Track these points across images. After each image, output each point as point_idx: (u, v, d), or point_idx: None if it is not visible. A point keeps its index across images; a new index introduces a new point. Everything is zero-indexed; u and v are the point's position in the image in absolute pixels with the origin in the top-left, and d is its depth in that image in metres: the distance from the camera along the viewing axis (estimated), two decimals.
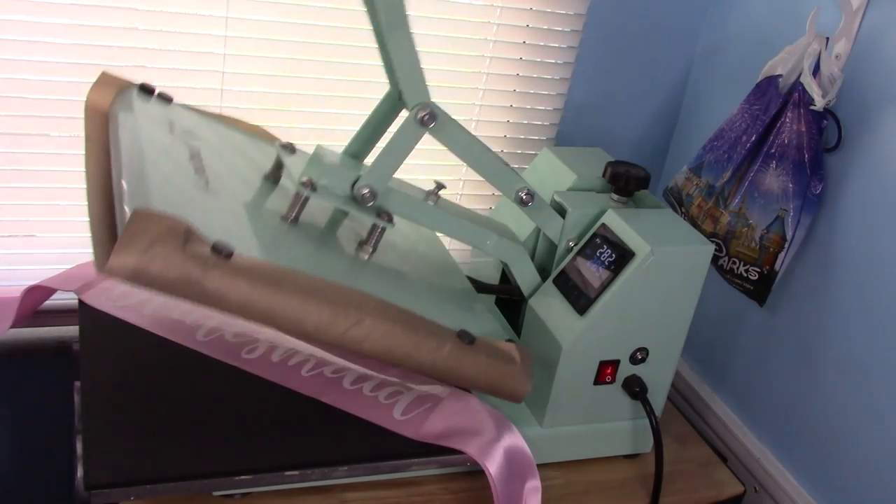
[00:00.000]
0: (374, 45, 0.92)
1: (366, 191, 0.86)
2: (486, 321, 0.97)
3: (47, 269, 1.07)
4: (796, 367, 1.11)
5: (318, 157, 0.90)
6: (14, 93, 1.05)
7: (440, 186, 0.96)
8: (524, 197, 0.95)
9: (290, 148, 0.92)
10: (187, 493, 0.84)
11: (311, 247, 0.88)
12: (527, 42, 1.25)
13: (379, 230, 0.90)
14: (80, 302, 0.99)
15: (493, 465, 0.88)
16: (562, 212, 1.00)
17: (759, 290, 1.09)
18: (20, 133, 1.07)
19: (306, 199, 0.89)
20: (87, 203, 0.80)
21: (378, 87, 0.94)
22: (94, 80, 1.07)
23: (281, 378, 0.94)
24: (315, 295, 0.76)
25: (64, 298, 1.08)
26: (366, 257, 0.90)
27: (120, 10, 1.00)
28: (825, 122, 1.03)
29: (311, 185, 0.84)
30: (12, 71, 1.03)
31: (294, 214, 0.89)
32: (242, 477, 0.84)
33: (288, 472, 0.86)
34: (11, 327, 1.00)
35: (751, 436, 1.18)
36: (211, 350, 0.96)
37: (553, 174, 1.09)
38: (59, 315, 1.14)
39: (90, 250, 1.13)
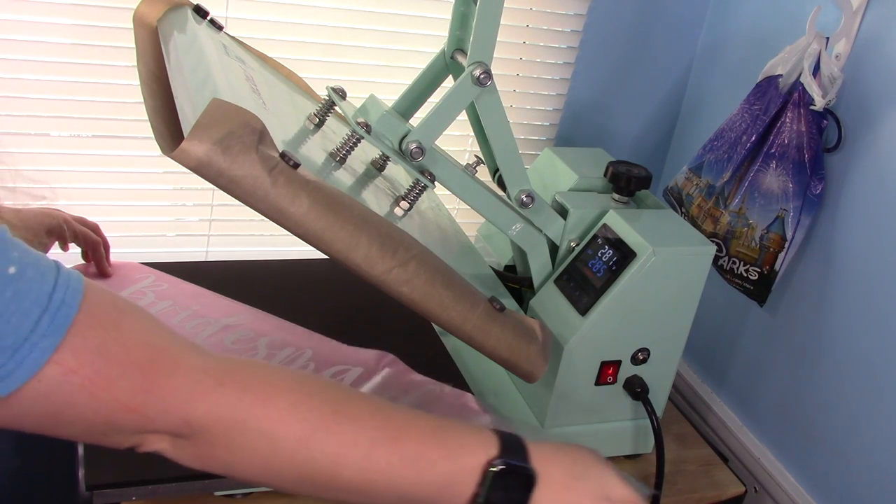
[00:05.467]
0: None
1: (414, 146, 0.86)
2: (510, 303, 0.97)
3: None
4: (796, 368, 1.11)
5: (371, 104, 0.89)
6: (14, 93, 1.05)
7: (479, 161, 0.96)
8: (524, 199, 0.95)
9: (340, 92, 0.91)
10: (188, 493, 0.84)
11: (354, 190, 0.88)
12: (527, 42, 1.25)
13: (420, 187, 0.89)
14: None
15: None
16: (563, 212, 1.00)
17: (759, 290, 1.09)
18: (20, 133, 1.07)
19: (357, 141, 0.89)
20: (142, 99, 0.85)
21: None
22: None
23: None
24: (370, 227, 0.76)
25: None
26: (401, 213, 0.89)
27: (120, 10, 1.00)
28: (825, 122, 1.03)
29: (367, 127, 0.84)
30: (12, 71, 1.03)
31: (343, 154, 0.89)
32: None
33: None
34: None
35: (751, 436, 1.18)
36: None
37: (554, 174, 1.09)
38: None
39: None
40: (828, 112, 1.03)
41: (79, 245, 1.00)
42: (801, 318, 1.10)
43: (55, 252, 0.99)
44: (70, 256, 1.01)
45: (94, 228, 1.01)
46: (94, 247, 1.00)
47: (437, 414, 0.92)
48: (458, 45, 0.92)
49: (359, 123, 0.84)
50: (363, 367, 0.98)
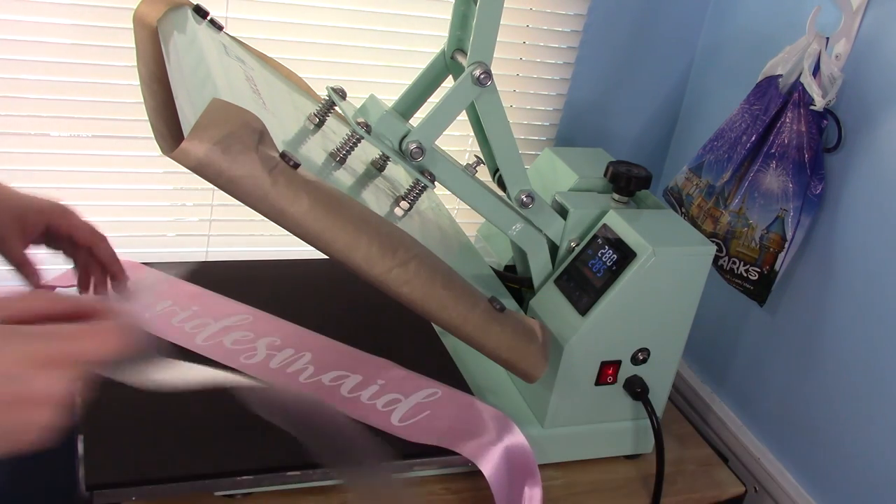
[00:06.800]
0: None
1: (414, 146, 0.86)
2: (510, 303, 0.97)
3: (47, 270, 1.07)
4: (796, 368, 1.11)
5: (371, 104, 0.89)
6: (14, 93, 1.05)
7: (479, 161, 0.96)
8: (524, 199, 0.95)
9: (340, 92, 0.91)
10: (189, 492, 0.84)
11: (354, 190, 0.88)
12: (527, 42, 1.25)
13: (420, 187, 0.89)
14: None
15: (487, 466, 0.88)
16: (563, 212, 1.00)
17: (759, 290, 1.09)
18: (20, 133, 1.07)
19: (357, 141, 0.89)
20: (142, 99, 0.82)
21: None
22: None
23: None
24: (369, 227, 0.76)
25: None
26: (401, 213, 0.89)
27: (120, 10, 1.00)
28: (825, 122, 1.03)
29: (367, 127, 0.84)
30: (12, 71, 1.03)
31: (343, 154, 0.89)
32: (244, 477, 0.84)
33: (289, 473, 0.86)
34: None
35: (751, 436, 1.18)
36: (209, 356, 0.96)
37: (554, 174, 1.09)
38: None
39: None
40: (828, 112, 1.03)
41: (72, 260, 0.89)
42: (801, 318, 1.10)
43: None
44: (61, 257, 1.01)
45: (93, 247, 0.87)
46: (84, 269, 0.87)
47: (437, 421, 0.93)
48: (458, 45, 0.92)
49: (359, 123, 0.84)
50: (361, 374, 0.98)
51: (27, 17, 1.02)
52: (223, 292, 1.06)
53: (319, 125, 0.93)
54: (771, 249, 1.05)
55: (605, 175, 1.04)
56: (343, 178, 0.88)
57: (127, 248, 1.14)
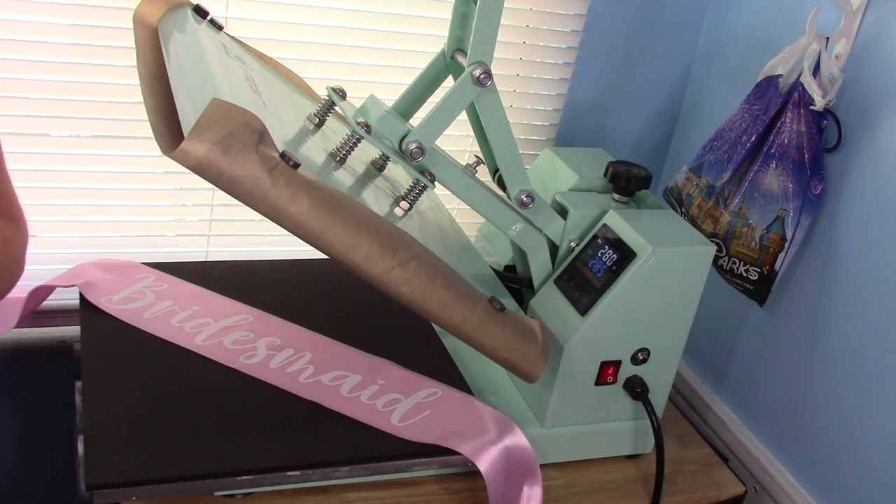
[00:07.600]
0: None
1: (414, 146, 0.86)
2: (510, 303, 0.97)
3: (47, 269, 1.07)
4: (796, 368, 1.11)
5: (371, 104, 0.89)
6: (14, 93, 1.04)
7: (479, 161, 0.96)
8: (524, 199, 0.95)
9: (340, 92, 0.91)
10: (189, 493, 0.84)
11: (354, 190, 0.88)
12: (527, 42, 1.25)
13: (420, 187, 0.89)
14: (82, 300, 0.99)
15: (484, 464, 0.88)
16: (563, 212, 1.00)
17: (759, 290, 1.09)
18: (20, 133, 1.07)
19: (357, 141, 0.89)
20: (142, 99, 0.83)
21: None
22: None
23: (278, 384, 0.94)
24: (369, 227, 0.76)
25: (64, 298, 1.07)
26: (401, 213, 0.89)
27: (120, 10, 1.00)
28: (825, 122, 1.03)
29: (367, 127, 0.84)
30: (12, 71, 1.03)
31: (343, 154, 0.89)
32: (244, 477, 0.84)
33: (289, 473, 0.86)
34: (14, 327, 1.00)
35: (751, 436, 1.18)
36: (209, 356, 0.96)
37: (554, 174, 1.09)
38: (60, 315, 1.14)
39: (90, 250, 1.14)
40: (828, 112, 1.03)
41: None
42: (801, 318, 1.10)
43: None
44: (61, 257, 1.01)
45: None
46: None
47: (436, 421, 0.93)
48: (458, 45, 0.92)
49: (359, 123, 0.84)
50: (361, 374, 0.98)
51: (27, 17, 1.02)
52: (223, 292, 1.06)
53: (319, 125, 0.93)
54: (771, 249, 1.05)
55: (605, 175, 1.04)
56: (343, 178, 0.88)
57: (127, 248, 1.14)
